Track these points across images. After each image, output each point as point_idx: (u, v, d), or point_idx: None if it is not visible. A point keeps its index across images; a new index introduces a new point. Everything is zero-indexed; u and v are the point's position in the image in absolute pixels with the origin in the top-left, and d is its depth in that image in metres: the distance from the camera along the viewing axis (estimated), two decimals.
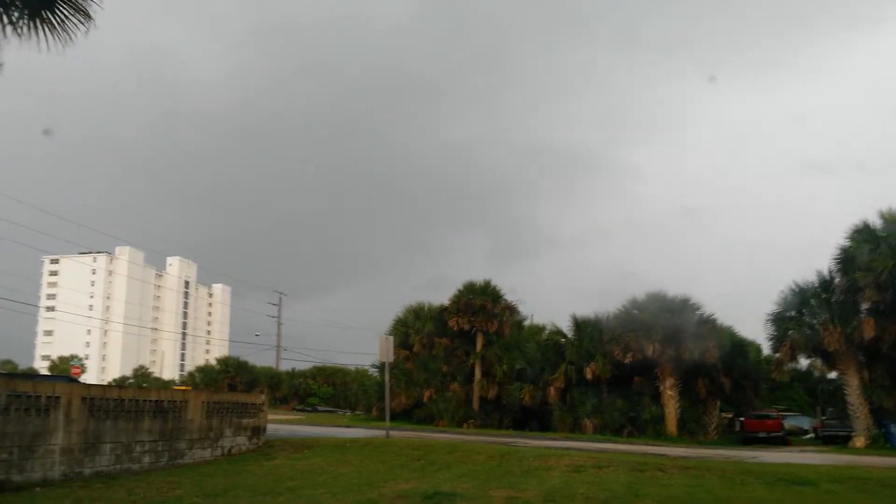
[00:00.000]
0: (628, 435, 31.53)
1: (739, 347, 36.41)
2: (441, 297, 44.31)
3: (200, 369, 70.36)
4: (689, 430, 32.71)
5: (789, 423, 38.32)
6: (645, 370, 33.43)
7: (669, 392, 32.81)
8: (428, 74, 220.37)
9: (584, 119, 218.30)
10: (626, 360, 32.63)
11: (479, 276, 41.17)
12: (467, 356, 39.28)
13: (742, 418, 36.36)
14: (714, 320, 33.90)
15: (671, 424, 32.41)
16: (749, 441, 32.25)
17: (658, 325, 32.43)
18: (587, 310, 37.08)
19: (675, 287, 36.60)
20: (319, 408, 60.69)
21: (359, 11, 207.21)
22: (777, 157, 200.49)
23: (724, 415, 38.42)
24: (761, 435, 32.68)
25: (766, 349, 36.29)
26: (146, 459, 15.34)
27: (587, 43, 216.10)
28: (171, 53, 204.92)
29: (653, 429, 32.17)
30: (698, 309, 33.92)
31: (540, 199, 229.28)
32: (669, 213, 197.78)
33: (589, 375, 33.54)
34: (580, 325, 36.19)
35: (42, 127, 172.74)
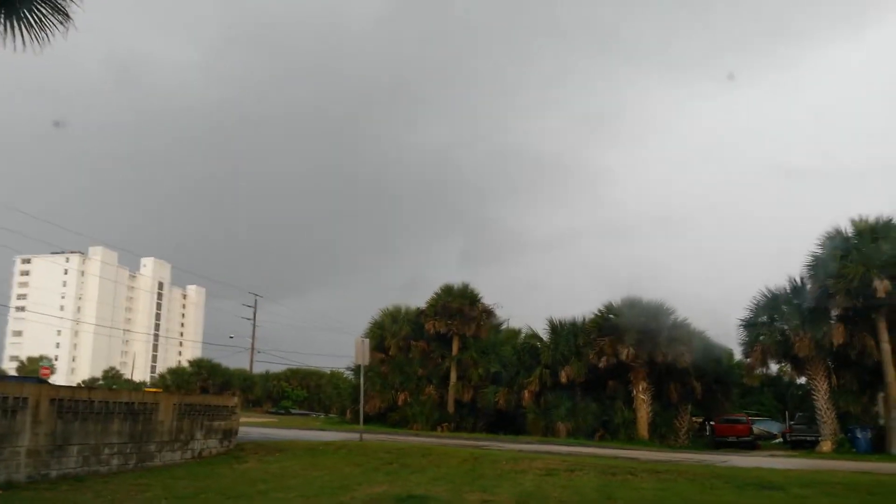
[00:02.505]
0: (600, 438, 31.72)
1: (711, 352, 36.82)
2: (417, 300, 44.27)
3: (172, 371, 69.62)
4: (661, 434, 33.00)
5: (758, 428, 38.85)
6: (619, 374, 33.68)
7: (642, 396, 33.06)
8: (405, 79, 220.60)
9: (557, 125, 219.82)
10: (601, 365, 32.84)
11: (454, 280, 41.26)
12: (443, 359, 39.27)
13: (713, 422, 36.77)
14: (687, 325, 34.25)
15: (643, 428, 32.65)
16: (719, 445, 32.62)
17: (632, 329, 32.67)
18: (562, 314, 37.25)
19: (649, 292, 36.92)
20: (293, 411, 60.24)
21: (336, 15, 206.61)
22: (749, 165, 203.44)
23: (694, 419, 38.79)
24: (731, 439, 33.08)
25: (738, 354, 36.79)
26: (114, 461, 15.13)
27: (562, 49, 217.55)
28: (146, 57, 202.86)
29: (625, 433, 32.38)
30: (671, 314, 34.24)
31: (515, 203, 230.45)
32: (643, 219, 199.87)
33: (563, 379, 33.68)
34: (556, 328, 36.33)
35: (14, 126, 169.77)
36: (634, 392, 33.30)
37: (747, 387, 40.79)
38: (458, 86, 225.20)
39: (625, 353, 32.24)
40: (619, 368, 33.14)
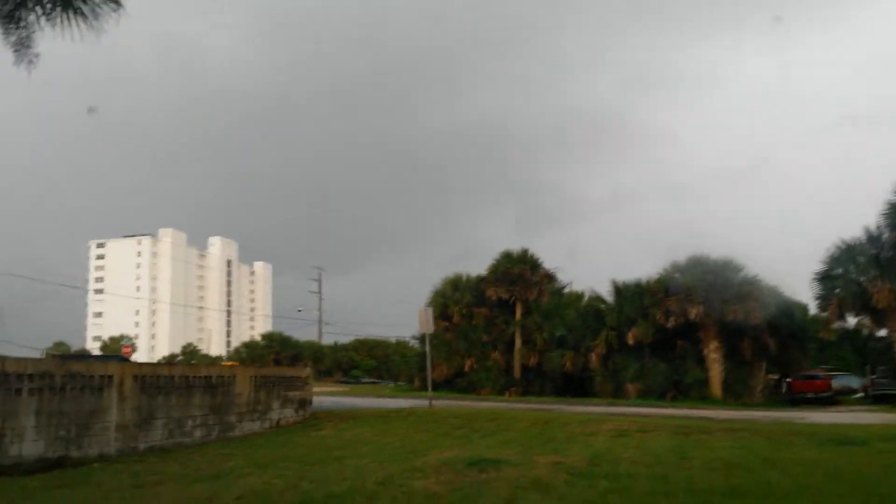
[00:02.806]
0: (672, 399, 31.34)
1: (785, 307, 35.65)
2: (474, 267, 44.36)
3: (246, 345, 72.00)
4: (735, 393, 32.32)
5: (838, 383, 37.60)
6: (688, 333, 33.07)
7: (713, 355, 32.43)
8: (452, 48, 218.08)
9: (610, 83, 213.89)
10: (669, 325, 32.31)
11: (511, 246, 41.09)
12: (507, 325, 39.32)
13: (789, 379, 35.84)
14: (758, 281, 33.25)
15: (716, 387, 32.09)
16: (797, 402, 31.79)
17: (700, 287, 31.96)
18: (625, 276, 36.76)
19: (716, 249, 35.78)
20: (362, 380, 61.62)
21: None
22: (815, 113, 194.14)
23: (770, 376, 37.83)
24: (809, 395, 32.19)
25: (813, 308, 35.54)
26: (198, 433, 15.81)
27: (610, 8, 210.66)
28: (195, 38, 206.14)
29: (697, 392, 31.90)
30: (741, 270, 33.31)
31: (570, 166, 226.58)
32: (703, 177, 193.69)
33: (630, 340, 33.34)
34: (620, 290, 35.90)
35: (80, 114, 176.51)
36: (705, 351, 32.69)
37: (824, 341, 39.46)
38: (505, 51, 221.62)
39: (693, 311, 31.60)
40: (688, 328, 32.53)
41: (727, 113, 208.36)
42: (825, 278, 30.90)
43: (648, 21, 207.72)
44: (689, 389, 32.16)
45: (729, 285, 32.09)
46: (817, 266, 31.33)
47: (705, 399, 31.14)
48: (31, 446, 11.80)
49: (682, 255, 34.85)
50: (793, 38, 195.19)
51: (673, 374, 32.71)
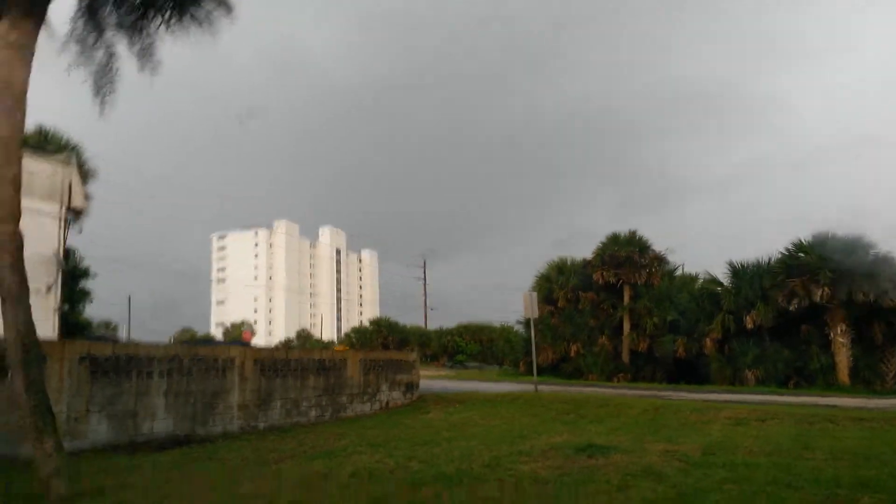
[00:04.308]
0: (794, 386, 29.66)
1: None
2: (578, 251, 43.65)
3: (355, 330, 74.16)
4: (864, 380, 30.15)
5: None
6: (812, 317, 31.10)
7: (840, 339, 30.35)
8: (545, 28, 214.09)
9: (719, 54, 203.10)
10: (791, 308, 30.51)
11: (616, 229, 39.93)
12: (614, 309, 38.42)
13: None
14: (891, 259, 30.71)
15: (843, 374, 30.05)
16: None
17: (826, 267, 29.92)
18: (741, 256, 34.91)
19: (843, 226, 33.21)
20: (468, 364, 62.09)
21: None
22: None
23: None
24: None
25: None
26: (312, 413, 16.49)
27: None
28: (299, 37, 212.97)
29: (822, 379, 29.99)
30: (872, 248, 30.86)
31: (678, 144, 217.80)
32: (827, 147, 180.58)
33: (749, 325, 31.75)
34: (737, 272, 34.20)
35: (201, 117, 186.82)
36: (832, 335, 30.63)
37: None
38: (609, 27, 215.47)
39: (819, 293, 29.65)
40: (813, 311, 30.58)
41: (852, 77, 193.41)
42: None
43: None
44: (813, 376, 30.30)
45: (858, 265, 29.85)
46: None
47: (831, 386, 29.26)
48: (161, 424, 12.71)
49: (805, 233, 32.76)
50: None
51: (796, 359, 30.90)
